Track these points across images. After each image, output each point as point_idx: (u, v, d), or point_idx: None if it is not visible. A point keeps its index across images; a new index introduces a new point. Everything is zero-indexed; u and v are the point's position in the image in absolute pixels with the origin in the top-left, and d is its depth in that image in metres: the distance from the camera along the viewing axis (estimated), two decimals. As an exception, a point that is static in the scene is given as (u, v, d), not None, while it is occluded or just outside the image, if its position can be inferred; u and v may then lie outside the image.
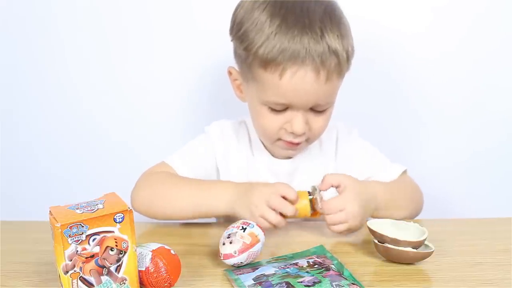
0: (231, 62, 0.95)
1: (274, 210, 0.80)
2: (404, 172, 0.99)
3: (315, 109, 0.87)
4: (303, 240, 0.84)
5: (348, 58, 0.85)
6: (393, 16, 1.16)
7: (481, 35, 1.15)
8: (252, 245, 0.71)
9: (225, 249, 0.71)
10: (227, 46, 0.95)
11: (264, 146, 0.98)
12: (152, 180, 0.92)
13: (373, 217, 0.87)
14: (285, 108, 0.86)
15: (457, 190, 1.23)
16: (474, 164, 1.22)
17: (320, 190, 0.83)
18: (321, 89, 0.83)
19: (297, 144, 0.90)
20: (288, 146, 0.91)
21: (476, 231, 0.86)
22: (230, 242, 0.71)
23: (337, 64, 0.83)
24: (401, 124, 1.22)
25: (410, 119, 1.22)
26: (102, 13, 1.18)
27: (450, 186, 1.23)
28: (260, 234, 0.73)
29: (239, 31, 0.85)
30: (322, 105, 0.87)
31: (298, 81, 0.82)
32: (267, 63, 0.81)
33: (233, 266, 0.72)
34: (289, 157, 0.97)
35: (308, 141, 0.92)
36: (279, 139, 0.90)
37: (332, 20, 0.83)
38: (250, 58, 0.84)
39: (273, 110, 0.87)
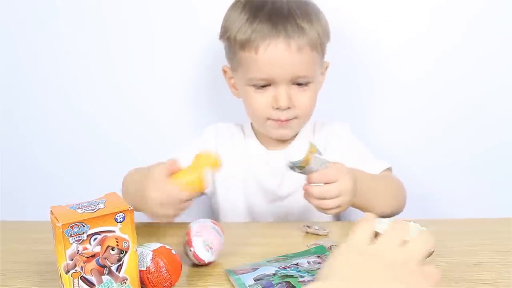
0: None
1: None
2: (389, 169, 0.98)
3: (297, 83, 0.94)
4: (303, 240, 0.84)
5: (319, 36, 0.94)
6: (392, 15, 1.16)
7: (482, 34, 1.15)
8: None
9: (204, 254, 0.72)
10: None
11: (260, 142, 1.03)
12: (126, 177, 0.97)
13: (353, 206, 0.85)
14: (268, 84, 0.94)
15: (457, 190, 1.23)
16: (474, 164, 1.22)
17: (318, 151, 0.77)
18: (295, 59, 0.91)
19: (286, 121, 0.95)
20: (278, 125, 0.96)
21: (476, 231, 0.86)
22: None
23: (308, 39, 0.92)
24: (401, 124, 1.22)
25: (411, 119, 1.21)
26: (102, 13, 1.18)
27: (450, 186, 1.23)
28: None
29: (223, 28, 0.98)
30: (302, 77, 0.93)
31: (271, 53, 0.91)
32: (244, 44, 0.92)
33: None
34: (284, 140, 1.01)
35: (298, 118, 0.97)
36: (269, 119, 0.96)
37: (299, 4, 0.94)
38: (232, 45, 0.95)
39: (258, 88, 0.94)
